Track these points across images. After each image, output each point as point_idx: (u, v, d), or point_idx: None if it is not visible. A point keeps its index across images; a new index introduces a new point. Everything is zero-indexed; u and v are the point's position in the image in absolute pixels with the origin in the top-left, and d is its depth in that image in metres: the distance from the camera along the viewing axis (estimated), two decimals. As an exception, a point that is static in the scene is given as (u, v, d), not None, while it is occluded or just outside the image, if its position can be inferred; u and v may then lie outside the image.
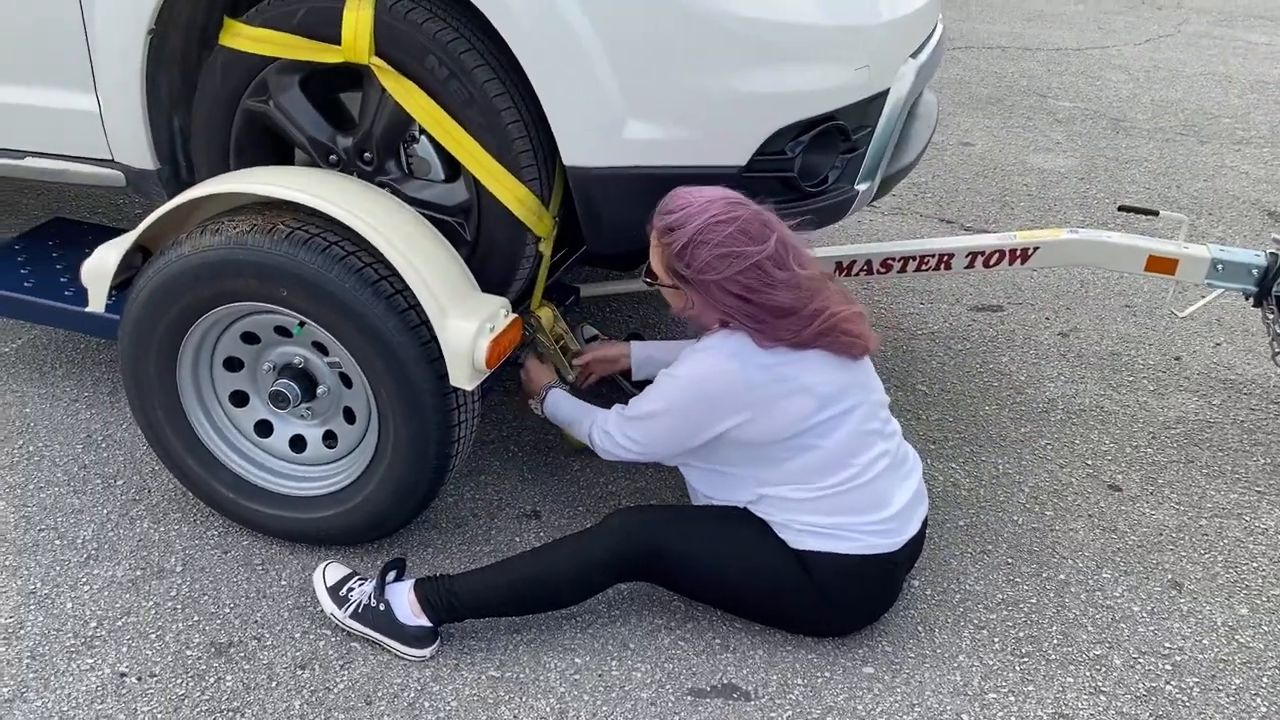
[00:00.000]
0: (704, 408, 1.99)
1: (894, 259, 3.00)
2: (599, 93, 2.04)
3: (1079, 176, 4.61)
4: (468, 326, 2.02)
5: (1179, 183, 4.62)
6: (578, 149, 2.10)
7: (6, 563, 2.24)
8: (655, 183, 2.09)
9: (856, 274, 3.04)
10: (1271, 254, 2.79)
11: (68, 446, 2.61)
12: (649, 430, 2.07)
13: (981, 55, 6.45)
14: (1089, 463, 2.75)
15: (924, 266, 2.99)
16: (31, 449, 2.60)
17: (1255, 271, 2.79)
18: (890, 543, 2.05)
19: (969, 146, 4.95)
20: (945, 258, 2.98)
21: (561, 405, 2.29)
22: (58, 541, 2.31)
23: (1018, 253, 2.94)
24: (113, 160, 2.46)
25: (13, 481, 2.48)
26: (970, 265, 2.97)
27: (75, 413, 2.73)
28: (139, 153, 2.40)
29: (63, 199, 3.86)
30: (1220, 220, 4.20)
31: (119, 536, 2.33)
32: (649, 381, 2.57)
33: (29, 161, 2.55)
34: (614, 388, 2.65)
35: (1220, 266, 2.81)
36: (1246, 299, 2.85)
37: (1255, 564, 2.42)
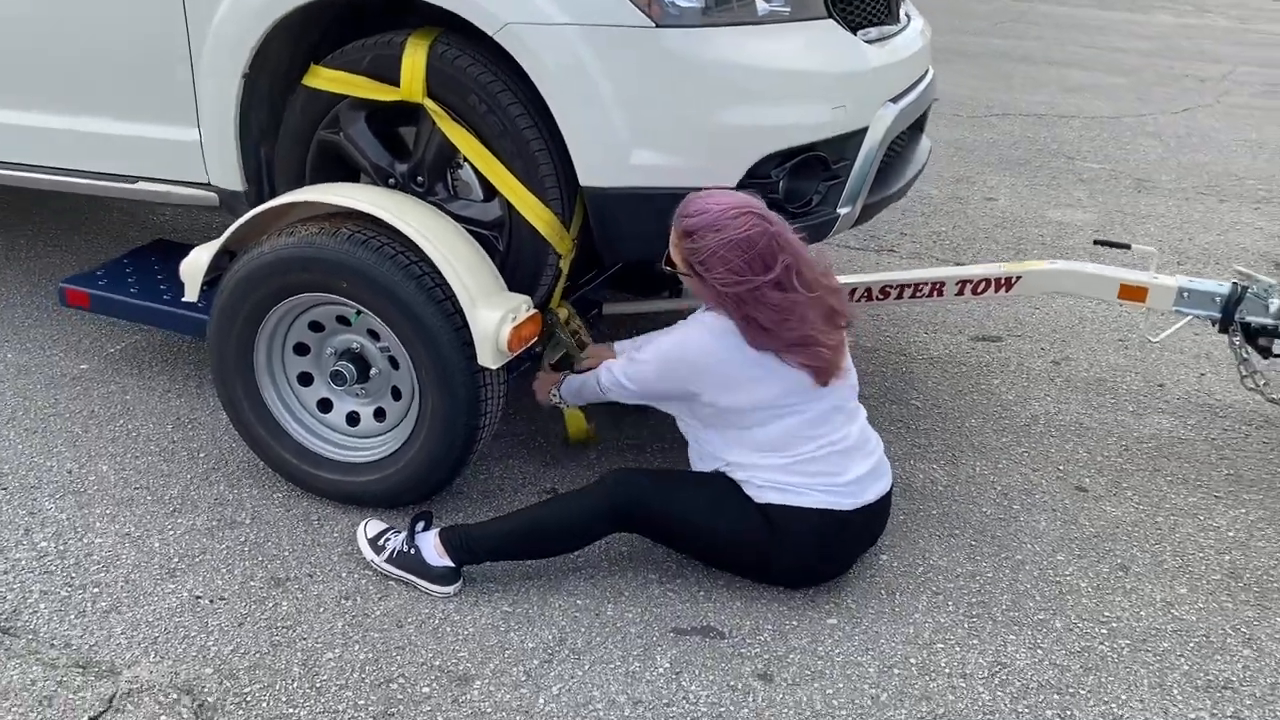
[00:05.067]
0: (684, 370, 2.36)
1: (891, 286, 3.33)
2: (610, 126, 2.43)
3: (1094, 229, 4.89)
4: (494, 315, 2.40)
5: (1191, 236, 4.88)
6: (592, 172, 2.49)
7: (107, 511, 2.67)
8: (658, 201, 2.47)
9: (858, 300, 3.37)
10: (1234, 284, 3.06)
11: (160, 426, 3.05)
12: (639, 374, 2.44)
13: (1017, 122, 6.78)
14: (1060, 468, 3.02)
15: (919, 294, 3.32)
16: (130, 428, 3.04)
17: (1218, 300, 3.06)
18: (845, 502, 2.36)
19: (992, 201, 5.27)
20: (937, 285, 3.30)
21: (574, 381, 2.67)
22: (149, 497, 2.73)
23: (1003, 281, 3.25)
24: (209, 184, 2.92)
25: (114, 451, 2.92)
26: (960, 293, 3.29)
27: (167, 400, 3.18)
28: (232, 177, 2.86)
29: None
30: (1225, 270, 4.43)
31: (200, 496, 2.74)
32: None
33: (140, 185, 3.02)
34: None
35: (1186, 294, 3.09)
36: (1212, 326, 3.11)
37: (1202, 554, 2.67)
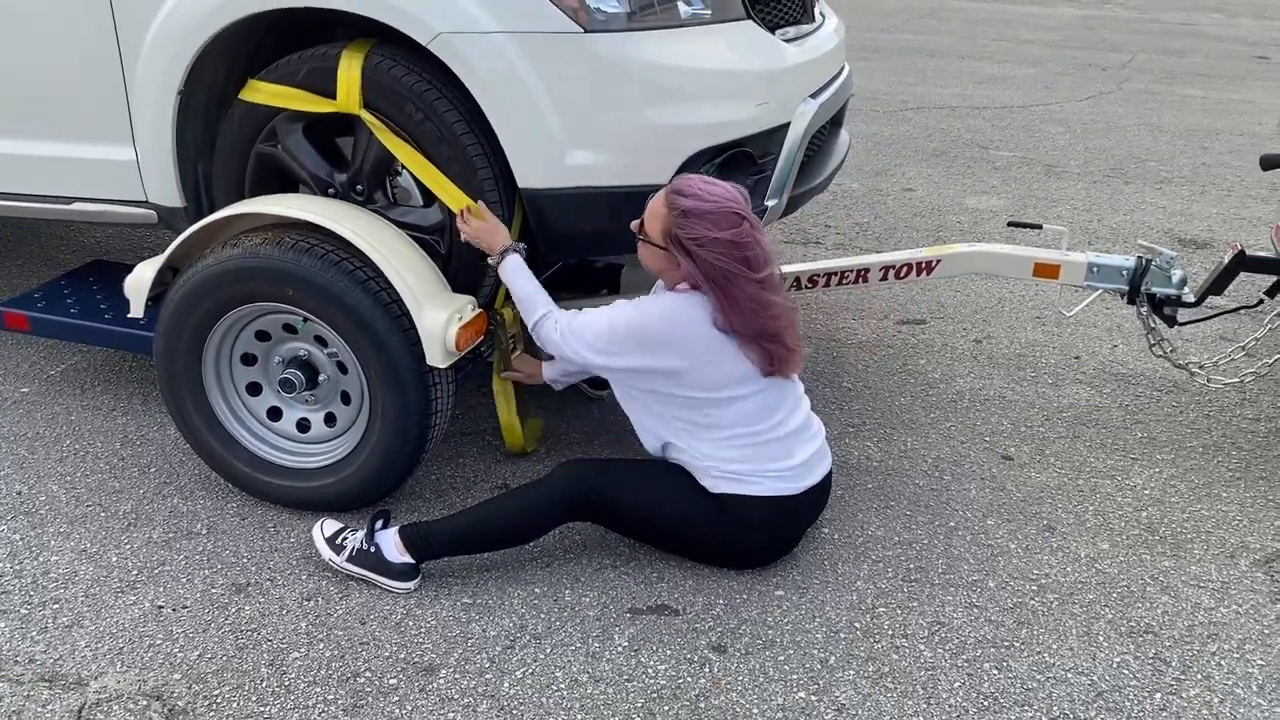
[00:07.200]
0: (665, 339, 2.37)
1: (819, 275, 3.45)
2: (545, 129, 2.52)
3: (1009, 214, 5.09)
4: (440, 315, 2.48)
5: (1100, 217, 5.11)
6: (529, 175, 2.57)
7: (61, 530, 2.68)
8: (593, 199, 2.57)
9: (788, 289, 3.49)
10: (1139, 258, 3.24)
11: (108, 444, 3.06)
12: (608, 339, 2.40)
13: (932, 115, 7.00)
14: (987, 439, 3.18)
15: (845, 280, 3.44)
16: (77, 447, 3.05)
17: (1126, 273, 3.23)
18: (795, 486, 2.48)
19: (910, 192, 5.46)
20: (862, 272, 3.43)
21: (519, 277, 2.55)
22: (102, 514, 2.75)
23: (924, 265, 3.39)
24: (147, 201, 2.95)
25: (63, 471, 2.92)
26: (884, 278, 3.42)
27: (113, 418, 3.19)
28: (170, 194, 2.88)
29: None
30: (1133, 248, 4.65)
31: (154, 509, 2.76)
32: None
33: (76, 206, 3.03)
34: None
35: (1096, 269, 3.25)
36: (1121, 299, 3.29)
37: (1121, 511, 2.84)
